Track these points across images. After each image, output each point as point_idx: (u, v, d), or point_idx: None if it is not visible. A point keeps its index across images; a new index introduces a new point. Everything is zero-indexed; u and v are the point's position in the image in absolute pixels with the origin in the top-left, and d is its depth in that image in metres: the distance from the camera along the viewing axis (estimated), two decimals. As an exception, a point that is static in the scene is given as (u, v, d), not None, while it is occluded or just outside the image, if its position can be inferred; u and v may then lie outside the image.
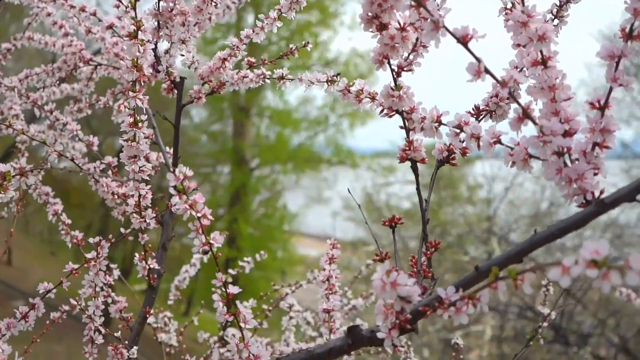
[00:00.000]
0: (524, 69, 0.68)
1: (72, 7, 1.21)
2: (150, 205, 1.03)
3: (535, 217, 7.19)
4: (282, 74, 1.08)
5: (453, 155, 0.78)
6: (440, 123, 0.72)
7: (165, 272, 1.13)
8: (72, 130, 1.23)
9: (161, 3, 1.03)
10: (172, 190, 0.71)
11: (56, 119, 1.25)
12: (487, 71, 0.60)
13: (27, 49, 1.53)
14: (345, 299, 1.59)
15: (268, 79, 1.09)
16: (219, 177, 12.00)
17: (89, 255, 1.01)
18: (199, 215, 0.72)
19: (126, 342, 1.06)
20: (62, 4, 1.24)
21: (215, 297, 0.74)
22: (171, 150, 1.20)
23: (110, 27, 1.15)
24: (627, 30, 0.61)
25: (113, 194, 1.13)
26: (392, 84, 0.72)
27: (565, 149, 0.60)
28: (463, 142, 0.76)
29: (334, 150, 11.67)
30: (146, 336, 1.19)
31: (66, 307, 1.23)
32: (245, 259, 1.52)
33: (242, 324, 0.74)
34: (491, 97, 0.79)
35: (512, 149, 0.66)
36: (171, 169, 0.75)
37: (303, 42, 1.13)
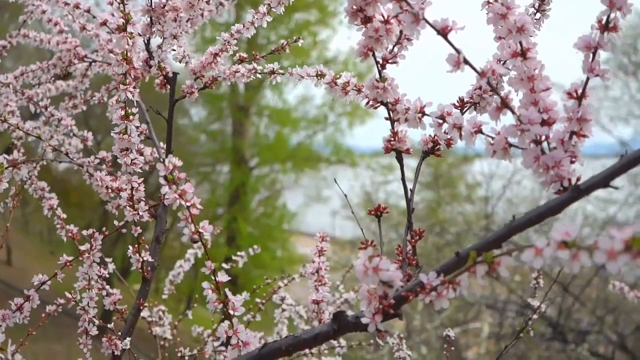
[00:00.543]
0: (507, 61, 0.70)
1: (66, 4, 1.22)
2: (144, 199, 1.04)
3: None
4: (273, 68, 1.09)
5: (438, 147, 0.80)
6: (424, 114, 0.74)
7: (164, 270, 1.15)
8: (66, 126, 1.24)
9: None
10: (162, 180, 0.73)
11: (51, 115, 1.26)
12: (466, 62, 0.62)
13: (26, 49, 1.54)
14: (337, 292, 1.60)
15: (259, 73, 1.11)
16: (218, 177, 12.02)
17: (82, 248, 1.02)
18: (188, 204, 0.73)
19: (119, 333, 1.08)
20: (56, 1, 1.25)
21: (204, 284, 0.76)
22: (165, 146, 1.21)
23: (104, 23, 1.16)
24: (603, 21, 0.63)
25: (107, 187, 1.14)
26: (377, 76, 0.73)
27: (542, 137, 0.62)
28: (448, 133, 0.77)
29: (333, 149, 11.69)
30: (144, 336, 1.21)
31: (62, 301, 1.24)
32: (239, 253, 1.54)
33: (231, 312, 0.76)
34: (475, 90, 0.80)
35: (492, 138, 0.67)
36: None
37: (294, 38, 1.15)
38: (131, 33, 0.83)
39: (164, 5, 1.06)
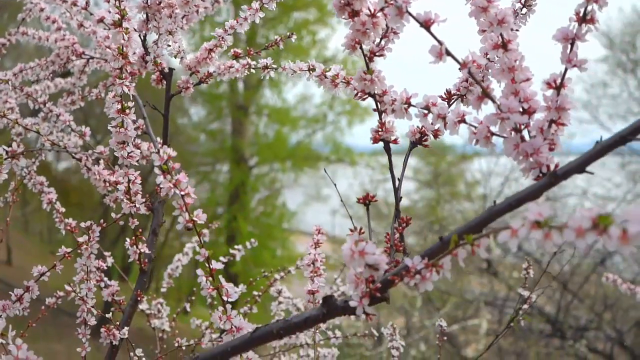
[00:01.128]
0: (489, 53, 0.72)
1: (64, 1, 1.24)
2: (141, 191, 1.07)
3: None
4: (267, 63, 1.12)
5: (425, 137, 0.82)
6: (410, 105, 0.76)
7: (164, 269, 1.17)
8: (65, 121, 1.26)
9: (149, -3, 1.07)
10: (157, 170, 0.75)
11: (50, 111, 1.29)
12: (448, 53, 0.64)
13: (25, 48, 1.57)
14: (335, 285, 1.63)
15: (253, 69, 1.13)
16: (217, 176, 12.04)
17: (80, 239, 1.05)
18: (182, 193, 0.76)
19: (117, 323, 1.10)
20: (54, -1, 1.27)
21: (199, 271, 0.78)
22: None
23: (101, 20, 1.18)
24: (580, 14, 0.65)
25: (105, 181, 1.16)
26: (365, 68, 0.76)
27: (522, 126, 0.64)
28: (433, 123, 0.79)
29: (332, 148, 11.71)
30: (145, 334, 1.23)
31: (61, 293, 1.27)
32: (237, 247, 1.56)
33: (224, 298, 0.78)
34: (462, 82, 0.83)
35: (475, 127, 0.69)
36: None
37: (288, 34, 1.17)
38: (127, 28, 0.86)
39: (160, 2, 1.08)
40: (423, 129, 0.81)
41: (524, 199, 0.61)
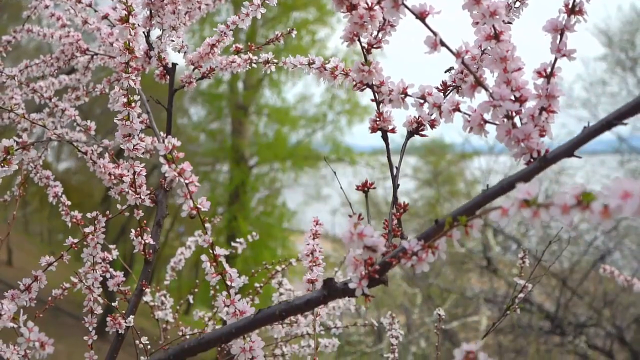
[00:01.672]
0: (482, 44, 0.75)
1: (68, -2, 1.27)
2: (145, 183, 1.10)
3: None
4: (268, 58, 1.14)
5: (422, 127, 0.84)
6: (406, 95, 0.79)
7: (164, 270, 1.19)
8: (70, 116, 1.29)
9: (153, -7, 1.10)
10: (162, 159, 0.78)
11: (55, 106, 1.31)
12: (442, 44, 0.67)
13: (25, 49, 1.59)
14: (335, 278, 1.65)
15: (255, 63, 1.16)
16: (218, 176, 12.07)
17: (87, 230, 1.07)
18: (187, 181, 0.78)
19: (124, 312, 1.13)
20: (59, -4, 1.30)
21: (203, 257, 0.81)
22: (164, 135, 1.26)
23: (106, 17, 1.21)
24: (569, 5, 0.68)
25: (110, 174, 1.19)
26: (363, 60, 0.78)
27: (514, 113, 0.67)
28: (432, 114, 0.82)
29: (332, 148, 11.74)
30: (146, 334, 1.26)
31: (67, 285, 1.29)
32: (238, 239, 1.59)
33: (228, 283, 0.81)
34: (457, 74, 0.85)
35: (469, 115, 0.72)
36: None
37: (288, 30, 1.20)
38: (133, 24, 0.88)
39: (163, -1, 1.11)
40: (420, 118, 0.84)
41: (516, 182, 0.64)
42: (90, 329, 1.12)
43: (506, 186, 0.65)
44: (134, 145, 0.99)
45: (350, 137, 11.90)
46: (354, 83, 0.80)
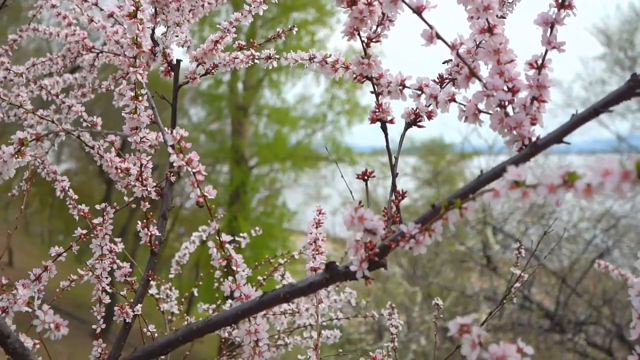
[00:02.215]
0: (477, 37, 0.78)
1: (75, -3, 1.30)
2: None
3: (530, 207, 7.30)
4: (270, 54, 1.18)
5: (420, 118, 0.88)
6: (404, 86, 0.82)
7: (165, 270, 1.22)
8: (77, 112, 1.33)
9: (158, -9, 1.13)
10: (170, 150, 0.81)
11: (62, 102, 1.35)
12: (438, 37, 0.70)
13: (25, 51, 1.63)
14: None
15: (257, 59, 1.19)
16: (218, 176, 12.09)
17: (95, 221, 1.11)
18: (194, 170, 0.82)
19: (132, 301, 1.16)
20: (65, -5, 1.33)
21: (210, 243, 0.84)
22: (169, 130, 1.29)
23: (111, 15, 1.25)
24: (559, 0, 0.71)
25: (116, 168, 1.22)
26: (362, 53, 0.82)
27: (506, 102, 0.70)
28: (429, 106, 0.86)
29: (332, 148, 11.77)
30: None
31: (74, 277, 1.33)
32: (242, 234, 1.62)
33: (234, 268, 0.85)
34: (453, 67, 0.89)
35: (464, 105, 0.76)
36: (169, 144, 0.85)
37: (289, 26, 1.23)
38: (141, 19, 0.92)
39: (168, -4, 1.14)
40: (417, 110, 0.87)
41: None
42: (99, 317, 1.16)
43: (499, 171, 0.68)
44: (141, 138, 1.03)
45: (350, 138, 11.95)
46: (354, 76, 0.84)
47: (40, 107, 1.63)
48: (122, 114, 1.00)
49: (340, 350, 1.50)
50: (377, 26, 0.82)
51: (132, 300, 1.16)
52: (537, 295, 7.37)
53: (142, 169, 1.09)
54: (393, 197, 0.83)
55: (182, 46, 1.17)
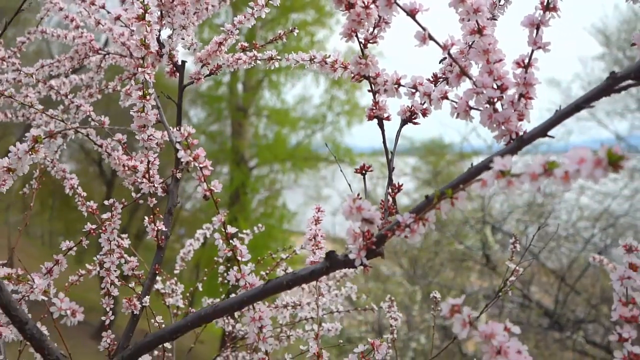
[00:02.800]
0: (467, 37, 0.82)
1: (83, 0, 1.35)
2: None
3: (529, 206, 7.35)
4: (272, 55, 1.22)
5: (415, 115, 0.92)
6: (400, 85, 0.87)
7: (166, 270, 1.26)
8: (85, 112, 1.37)
9: (164, -5, 1.18)
10: (178, 146, 0.86)
11: (71, 102, 1.39)
12: (431, 38, 0.75)
13: (25, 54, 1.68)
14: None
15: (259, 60, 1.24)
16: (218, 177, 12.13)
17: (104, 216, 1.15)
18: (201, 166, 0.86)
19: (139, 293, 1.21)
20: (74, -1, 1.38)
21: (216, 235, 0.89)
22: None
23: (118, 18, 1.29)
24: (544, 3, 0.76)
25: (124, 165, 1.27)
26: (360, 53, 0.86)
27: (495, 99, 0.75)
28: (423, 104, 0.90)
29: (332, 149, 11.81)
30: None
31: (83, 272, 1.37)
32: (245, 231, 1.67)
33: (239, 258, 0.89)
34: (446, 67, 0.93)
35: (456, 102, 0.80)
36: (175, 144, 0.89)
37: (290, 28, 1.28)
38: (149, 21, 0.96)
39: (173, 0, 1.19)
40: (412, 107, 0.92)
41: (497, 160, 0.72)
42: (108, 309, 1.20)
43: (487, 163, 0.73)
44: (149, 136, 1.07)
45: (349, 138, 11.99)
46: (352, 75, 0.88)
47: (47, 108, 1.68)
48: (126, 114, 1.05)
49: (341, 341, 1.54)
50: (374, 28, 0.87)
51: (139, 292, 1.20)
52: (536, 294, 7.42)
53: (150, 166, 1.14)
54: (389, 190, 0.87)
55: (189, 48, 1.21)
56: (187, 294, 1.63)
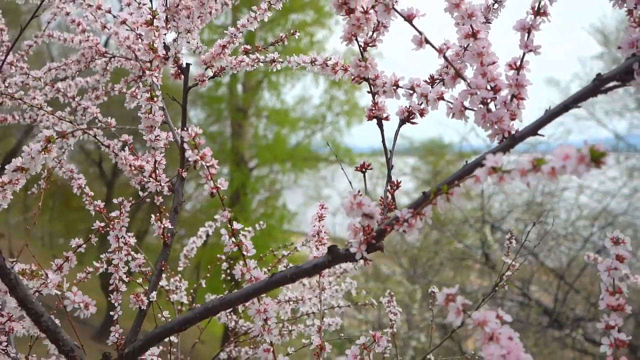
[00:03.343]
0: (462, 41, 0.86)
1: (89, 5, 1.39)
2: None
3: (529, 206, 7.39)
4: (274, 57, 1.26)
5: (412, 116, 0.96)
6: (398, 86, 0.91)
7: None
8: (92, 114, 1.41)
9: (169, 0, 1.22)
10: (185, 146, 0.89)
11: (78, 104, 1.43)
12: (427, 42, 0.78)
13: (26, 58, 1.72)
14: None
15: (262, 62, 1.28)
16: (218, 178, 12.14)
17: (113, 214, 1.19)
18: (208, 164, 0.90)
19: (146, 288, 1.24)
20: (80, 3, 1.42)
21: (222, 231, 0.92)
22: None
23: (124, 22, 1.33)
24: (535, 7, 0.80)
25: (130, 165, 1.31)
26: (360, 56, 0.90)
27: (489, 100, 0.79)
28: (421, 104, 0.94)
29: (332, 148, 11.82)
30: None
31: (90, 269, 1.41)
32: (247, 228, 1.70)
33: (244, 253, 0.93)
34: (442, 69, 0.97)
35: (452, 103, 0.84)
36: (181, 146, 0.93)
37: (291, 31, 1.32)
38: (157, 26, 1.00)
39: (178, 4, 1.23)
40: (410, 108, 0.95)
41: (490, 158, 0.75)
42: (116, 304, 1.24)
43: (481, 161, 0.76)
44: (156, 136, 1.11)
45: (349, 139, 12.02)
46: (352, 77, 0.92)
47: (54, 110, 1.71)
48: (127, 115, 1.08)
49: (342, 335, 1.58)
50: (373, 32, 0.91)
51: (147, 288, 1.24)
52: (536, 293, 7.46)
53: (156, 166, 1.18)
54: (388, 187, 0.91)
55: (194, 52, 1.25)
56: (191, 291, 1.67)
